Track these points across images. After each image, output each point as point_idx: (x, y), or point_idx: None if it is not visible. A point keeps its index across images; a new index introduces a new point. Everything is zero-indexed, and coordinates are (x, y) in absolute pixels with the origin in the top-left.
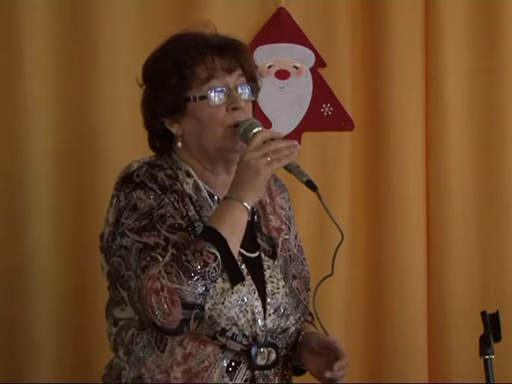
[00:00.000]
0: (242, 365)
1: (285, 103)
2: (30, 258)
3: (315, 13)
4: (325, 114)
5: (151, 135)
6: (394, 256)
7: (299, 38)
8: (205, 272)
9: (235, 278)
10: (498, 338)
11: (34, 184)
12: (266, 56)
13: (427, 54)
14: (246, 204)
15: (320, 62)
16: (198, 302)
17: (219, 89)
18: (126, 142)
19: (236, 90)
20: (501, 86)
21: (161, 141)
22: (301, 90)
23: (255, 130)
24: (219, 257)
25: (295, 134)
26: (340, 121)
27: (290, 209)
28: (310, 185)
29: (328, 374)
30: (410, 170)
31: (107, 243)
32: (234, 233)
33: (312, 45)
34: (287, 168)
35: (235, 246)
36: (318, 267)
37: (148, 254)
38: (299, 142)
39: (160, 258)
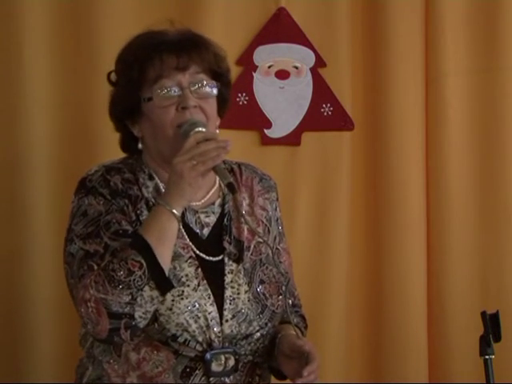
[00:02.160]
0: (197, 370)
1: (285, 103)
2: (29, 258)
3: (315, 13)
4: (325, 114)
5: (121, 137)
6: (394, 256)
7: (299, 38)
8: (130, 281)
9: (162, 287)
10: (498, 338)
11: (34, 183)
12: (266, 56)
13: (427, 54)
14: (173, 210)
15: (320, 62)
16: (125, 311)
17: (169, 88)
18: None
19: (190, 88)
20: (501, 86)
21: (130, 142)
22: (301, 89)
23: (195, 130)
24: (145, 265)
25: (295, 134)
26: (340, 121)
27: (276, 209)
28: (231, 188)
29: (298, 381)
30: (409, 169)
31: (63, 249)
32: (161, 240)
33: (312, 45)
34: (214, 169)
35: (163, 254)
36: (317, 265)
37: (86, 262)
38: (299, 142)
39: (95, 267)
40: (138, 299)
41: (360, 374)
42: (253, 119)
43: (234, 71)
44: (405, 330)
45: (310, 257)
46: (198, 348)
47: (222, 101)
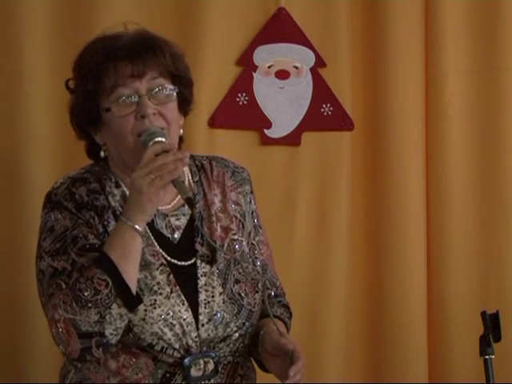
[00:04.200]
0: (177, 376)
1: (285, 103)
2: (29, 258)
3: (315, 13)
4: (325, 114)
5: (86, 145)
6: (394, 256)
7: (299, 38)
8: (97, 300)
9: (129, 304)
10: (498, 338)
11: (34, 183)
12: (266, 56)
13: (427, 54)
14: (136, 226)
15: (320, 62)
16: (95, 329)
17: (127, 96)
18: None
19: (148, 94)
20: (501, 86)
21: (94, 149)
22: (301, 89)
23: (154, 140)
24: (110, 283)
25: (295, 134)
26: (340, 121)
27: (250, 202)
28: (189, 203)
29: (287, 381)
30: (409, 169)
31: (35, 266)
32: (125, 257)
33: (312, 45)
34: (172, 183)
35: (128, 270)
36: (317, 265)
37: (55, 280)
38: (299, 142)
39: (63, 285)
40: (107, 317)
41: (360, 374)
42: (253, 119)
43: (234, 71)
44: (405, 330)
45: (310, 257)
46: (176, 355)
47: (184, 101)
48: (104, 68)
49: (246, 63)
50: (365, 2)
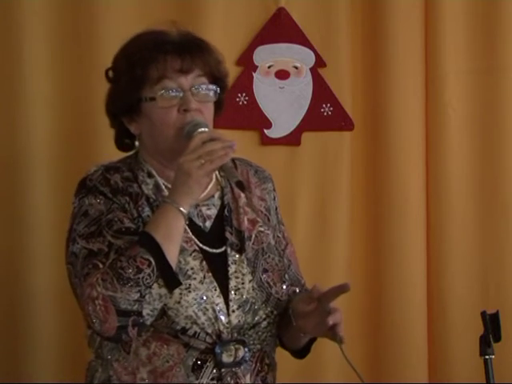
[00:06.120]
0: (208, 363)
1: (285, 103)
2: (29, 258)
3: (315, 13)
4: (325, 114)
5: (116, 134)
6: (394, 256)
7: (299, 38)
8: (138, 278)
9: (171, 284)
10: (498, 338)
11: (34, 182)
12: (266, 56)
13: (427, 54)
14: (181, 208)
15: (320, 62)
16: (134, 308)
17: (172, 90)
18: None
19: (191, 90)
20: (501, 86)
21: (126, 139)
22: (301, 90)
23: (198, 130)
24: (153, 262)
25: (295, 134)
26: (340, 121)
27: (274, 199)
28: (240, 186)
29: (330, 321)
30: (410, 169)
31: (65, 250)
32: (169, 238)
33: (312, 45)
34: (221, 169)
35: (171, 251)
36: (317, 265)
37: (91, 260)
38: (299, 142)
39: (100, 265)
40: (147, 297)
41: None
42: (253, 119)
43: (234, 71)
44: (405, 330)
45: (310, 256)
46: (208, 340)
47: (218, 105)
48: (153, 58)
49: (246, 63)
50: (365, 1)
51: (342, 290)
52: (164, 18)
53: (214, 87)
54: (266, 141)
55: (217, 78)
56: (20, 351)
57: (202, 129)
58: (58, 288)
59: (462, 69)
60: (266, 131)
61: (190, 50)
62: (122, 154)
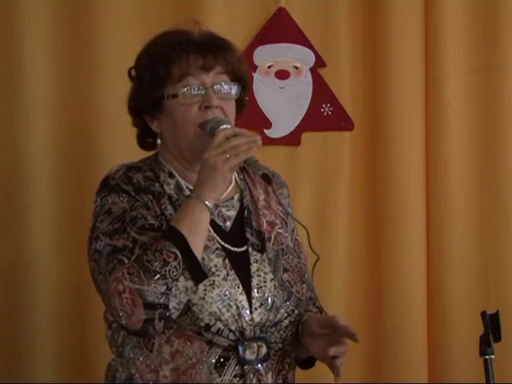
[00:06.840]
0: (230, 360)
1: (285, 103)
2: (29, 258)
3: (315, 13)
4: (325, 114)
5: (138, 132)
6: (394, 256)
7: (299, 38)
8: (165, 271)
9: (197, 277)
10: (498, 338)
11: (34, 183)
12: (266, 56)
13: (427, 54)
14: (206, 202)
15: (320, 62)
16: (161, 301)
17: (193, 87)
18: (127, 141)
19: (213, 88)
20: (501, 85)
21: (148, 138)
22: (301, 90)
23: (221, 127)
24: (180, 255)
25: (295, 134)
26: (340, 121)
27: (288, 205)
28: (266, 178)
29: (331, 352)
30: (410, 170)
31: (87, 248)
32: (194, 231)
33: (312, 45)
34: (246, 163)
35: (197, 245)
36: (317, 265)
37: (115, 256)
38: (299, 142)
39: (126, 260)
40: (173, 290)
41: (360, 373)
42: (253, 119)
43: None
44: (405, 329)
45: (310, 256)
46: (231, 337)
47: (240, 102)
48: (176, 56)
49: (246, 63)
50: (365, 2)
51: (352, 337)
52: (164, 19)
53: (235, 85)
54: (266, 141)
55: (238, 76)
56: (20, 352)
57: (225, 125)
58: (59, 288)
59: (462, 69)
60: (265, 131)
61: (212, 48)
62: (121, 155)
